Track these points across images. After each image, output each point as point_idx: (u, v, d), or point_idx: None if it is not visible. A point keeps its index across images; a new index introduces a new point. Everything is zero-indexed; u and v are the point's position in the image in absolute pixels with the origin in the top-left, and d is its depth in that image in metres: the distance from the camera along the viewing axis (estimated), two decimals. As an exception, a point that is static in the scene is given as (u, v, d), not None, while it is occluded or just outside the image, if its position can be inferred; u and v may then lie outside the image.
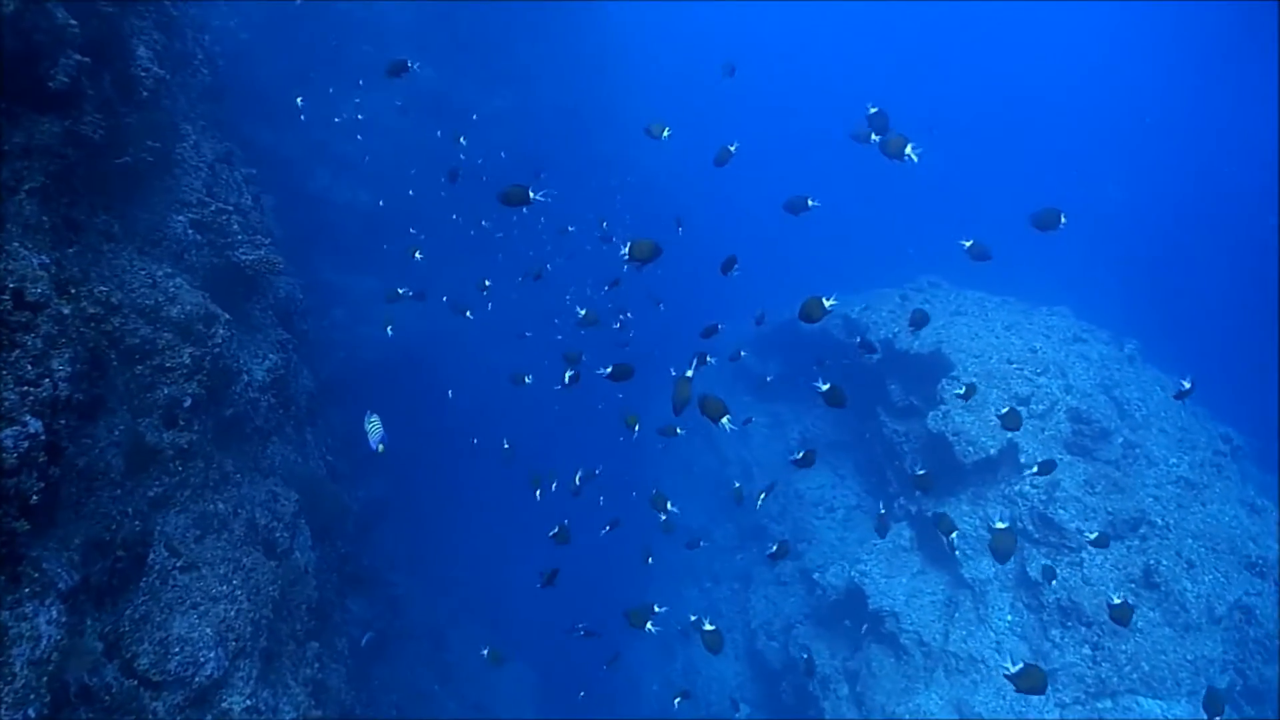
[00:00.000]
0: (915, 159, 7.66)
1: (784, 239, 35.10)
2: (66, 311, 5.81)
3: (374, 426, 8.35)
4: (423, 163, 20.18)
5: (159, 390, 7.45)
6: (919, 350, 16.70)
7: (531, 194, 7.15)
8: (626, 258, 6.85)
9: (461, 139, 12.80)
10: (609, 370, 7.84)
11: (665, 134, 8.85)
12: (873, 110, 8.37)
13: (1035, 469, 11.79)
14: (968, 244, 9.33)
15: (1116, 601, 8.78)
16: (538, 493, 10.21)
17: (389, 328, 15.39)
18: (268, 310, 11.49)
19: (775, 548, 9.79)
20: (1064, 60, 51.97)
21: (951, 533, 6.70)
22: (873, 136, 8.30)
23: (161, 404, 7.45)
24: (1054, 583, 13.84)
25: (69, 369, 5.68)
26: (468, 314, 11.90)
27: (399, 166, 20.95)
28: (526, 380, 10.20)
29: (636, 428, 8.66)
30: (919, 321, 11.64)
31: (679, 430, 10.30)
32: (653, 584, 22.26)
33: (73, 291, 6.18)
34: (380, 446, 8.30)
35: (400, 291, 12.64)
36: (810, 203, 8.61)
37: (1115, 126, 47.58)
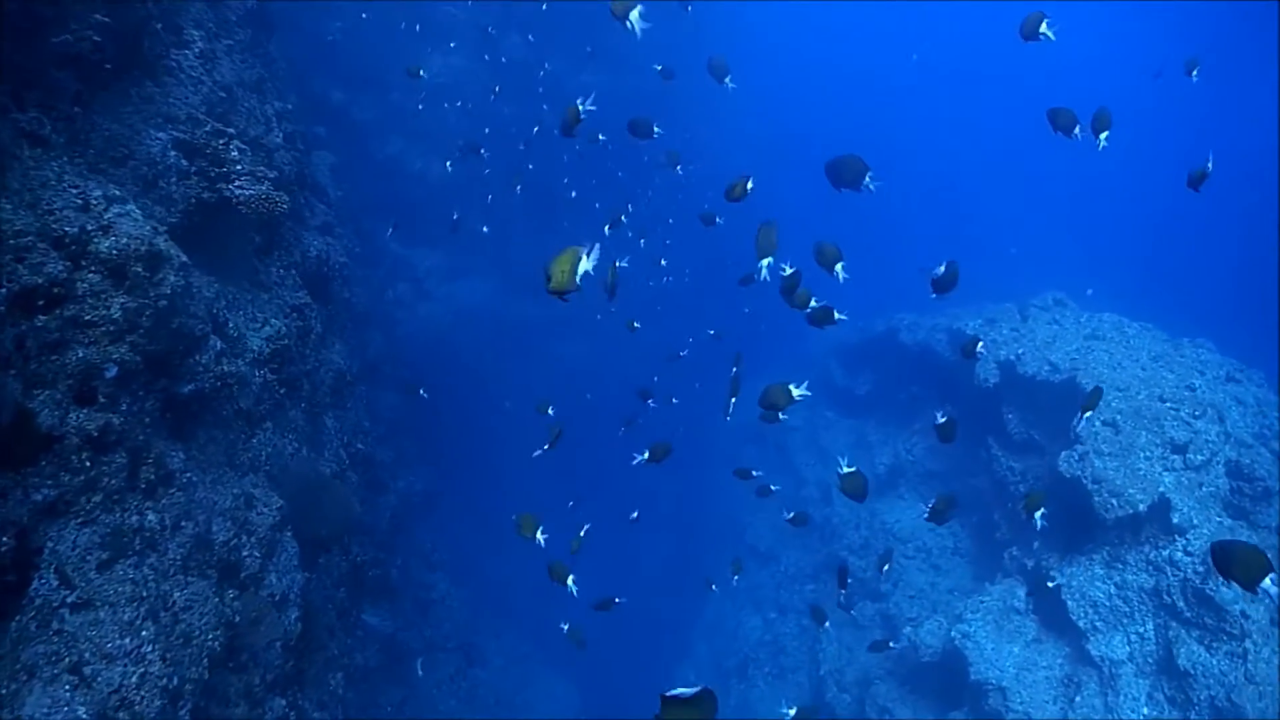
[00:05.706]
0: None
1: (880, 242, 31.99)
2: None
3: None
4: (501, 133, 17.86)
5: (71, 352, 5.07)
6: (1049, 378, 13.53)
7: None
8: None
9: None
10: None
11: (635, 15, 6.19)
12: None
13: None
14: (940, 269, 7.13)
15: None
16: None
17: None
18: (290, 269, 9.16)
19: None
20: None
21: None
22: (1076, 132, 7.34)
23: (73, 371, 5.07)
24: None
25: None
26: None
27: (476, 137, 18.66)
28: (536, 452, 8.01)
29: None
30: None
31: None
32: (709, 607, 19.54)
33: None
34: None
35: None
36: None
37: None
